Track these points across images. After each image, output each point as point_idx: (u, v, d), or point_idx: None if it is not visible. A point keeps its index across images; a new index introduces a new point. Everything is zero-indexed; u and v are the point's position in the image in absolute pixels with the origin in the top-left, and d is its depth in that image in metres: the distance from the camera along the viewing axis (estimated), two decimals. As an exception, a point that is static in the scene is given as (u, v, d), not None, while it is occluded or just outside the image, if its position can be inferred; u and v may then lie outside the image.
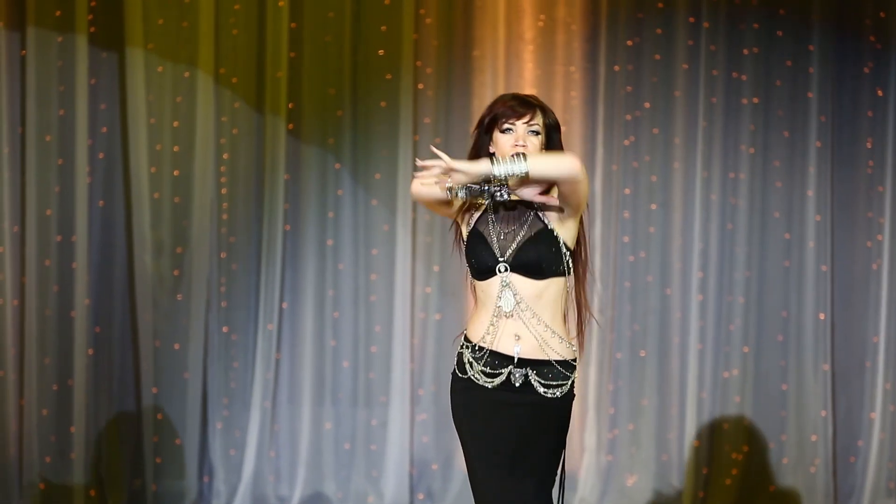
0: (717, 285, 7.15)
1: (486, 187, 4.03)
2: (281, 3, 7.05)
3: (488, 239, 4.10)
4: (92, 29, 6.98)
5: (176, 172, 7.07)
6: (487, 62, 7.09)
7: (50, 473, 6.94)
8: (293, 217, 7.12)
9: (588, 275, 4.23)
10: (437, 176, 4.07)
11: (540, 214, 4.11)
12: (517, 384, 4.07)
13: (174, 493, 7.03)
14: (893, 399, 7.17)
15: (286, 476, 7.09)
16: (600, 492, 7.09)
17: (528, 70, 7.10)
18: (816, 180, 7.18)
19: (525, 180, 3.98)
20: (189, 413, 7.04)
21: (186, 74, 7.06)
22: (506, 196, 4.03)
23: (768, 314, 7.18)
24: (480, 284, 4.11)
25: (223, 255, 7.09)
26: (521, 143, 4.07)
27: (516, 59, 7.12)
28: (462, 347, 4.15)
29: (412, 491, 7.08)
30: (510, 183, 4.00)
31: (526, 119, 4.08)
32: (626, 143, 7.16)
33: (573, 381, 4.13)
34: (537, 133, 4.11)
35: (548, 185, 4.06)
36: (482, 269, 4.08)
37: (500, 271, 4.06)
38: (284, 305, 7.09)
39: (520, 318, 4.06)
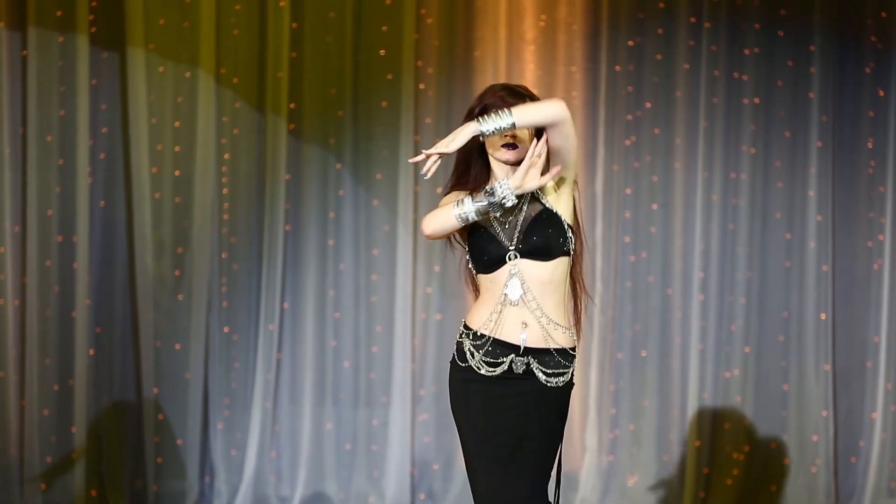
0: (718, 285, 7.15)
1: (493, 200, 4.02)
2: (282, 4, 7.05)
3: (492, 231, 4.10)
4: (93, 29, 6.98)
5: (177, 172, 7.07)
6: (489, 62, 7.08)
7: (51, 474, 6.93)
8: (294, 217, 7.11)
9: (586, 253, 4.25)
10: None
11: (536, 194, 4.12)
12: (519, 372, 4.07)
13: (175, 493, 7.03)
14: (894, 399, 7.18)
15: (287, 476, 7.09)
16: (601, 492, 7.09)
17: (530, 70, 7.10)
18: (817, 180, 7.18)
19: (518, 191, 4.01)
20: (190, 413, 7.04)
21: (187, 74, 7.06)
22: (514, 200, 4.03)
23: (769, 314, 7.18)
24: (487, 277, 4.12)
25: (224, 255, 7.09)
26: (510, 132, 4.07)
27: (517, 60, 7.11)
28: (462, 336, 4.15)
29: (413, 491, 7.08)
30: (500, 132, 3.99)
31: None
32: (628, 143, 7.16)
33: (573, 370, 4.14)
34: (513, 140, 4.12)
35: (544, 165, 4.05)
36: (492, 261, 4.09)
37: (509, 259, 4.07)
38: (285, 306, 7.09)
39: (526, 307, 4.06)
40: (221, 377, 7.08)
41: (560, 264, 4.10)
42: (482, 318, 4.11)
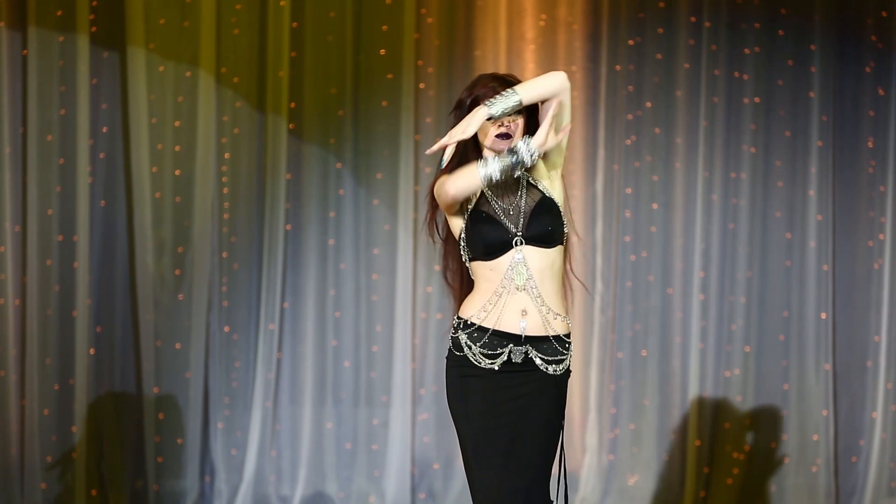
0: (718, 285, 7.15)
1: (516, 159, 4.02)
2: (282, 3, 7.05)
3: (496, 216, 4.10)
4: (93, 29, 6.98)
5: (177, 172, 7.07)
6: (489, 62, 7.08)
7: (51, 473, 6.93)
8: (294, 217, 7.11)
9: (576, 242, 4.28)
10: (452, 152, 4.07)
11: (532, 181, 4.14)
12: (518, 361, 4.07)
13: (175, 492, 7.03)
14: (895, 399, 7.17)
15: (287, 476, 7.09)
16: (602, 491, 7.09)
17: (530, 70, 7.10)
18: (818, 180, 7.18)
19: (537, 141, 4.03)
20: (190, 413, 7.04)
21: (188, 74, 7.06)
22: (536, 159, 4.03)
23: (770, 314, 7.18)
24: (486, 264, 4.11)
25: (224, 254, 7.09)
26: (505, 123, 4.09)
27: (518, 59, 7.11)
28: (456, 330, 4.13)
29: (413, 491, 7.08)
30: (513, 110, 4.01)
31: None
32: (628, 142, 7.16)
33: (570, 357, 4.15)
34: (520, 112, 4.13)
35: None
36: (494, 246, 4.08)
37: (516, 244, 4.07)
38: (286, 305, 7.09)
39: (529, 293, 4.07)
40: (222, 376, 7.08)
41: (558, 252, 4.13)
42: (477, 308, 4.10)
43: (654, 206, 7.16)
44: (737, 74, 7.17)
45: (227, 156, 7.10)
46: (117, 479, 6.97)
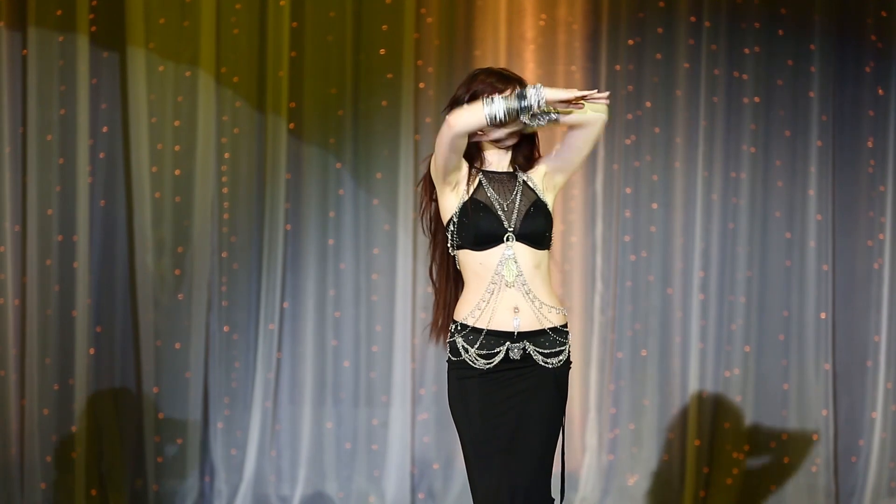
0: (718, 285, 7.15)
1: (523, 104, 3.97)
2: (282, 3, 7.05)
3: (493, 207, 4.09)
4: (93, 28, 6.98)
5: (177, 172, 7.07)
6: (489, 62, 7.08)
7: (51, 473, 6.93)
8: (294, 217, 7.11)
9: (555, 252, 4.29)
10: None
11: (529, 184, 4.13)
12: (516, 358, 4.06)
13: (175, 492, 7.03)
14: (895, 399, 7.17)
15: (287, 476, 7.09)
16: (601, 491, 7.09)
17: (530, 70, 7.10)
18: (817, 180, 7.18)
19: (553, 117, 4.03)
20: (190, 413, 7.03)
21: (188, 74, 7.06)
22: (543, 103, 3.98)
23: (769, 314, 7.18)
24: (476, 256, 4.09)
25: (224, 254, 7.09)
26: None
27: (517, 59, 7.11)
28: (453, 334, 4.12)
29: (413, 490, 7.07)
30: (543, 108, 4.00)
31: (507, 94, 4.05)
32: (628, 142, 7.16)
33: (569, 348, 4.13)
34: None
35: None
36: (486, 237, 4.07)
37: (507, 240, 4.06)
38: (285, 305, 7.09)
39: (519, 289, 4.06)
40: (221, 376, 7.08)
41: (545, 255, 4.12)
42: (470, 308, 4.09)
43: (654, 205, 7.16)
44: (736, 74, 7.17)
45: (226, 156, 7.10)
46: (117, 479, 6.97)
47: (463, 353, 4.09)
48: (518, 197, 4.10)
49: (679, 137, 7.16)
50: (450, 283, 4.23)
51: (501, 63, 7.08)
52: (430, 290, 7.08)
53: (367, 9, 7.11)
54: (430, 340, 4.31)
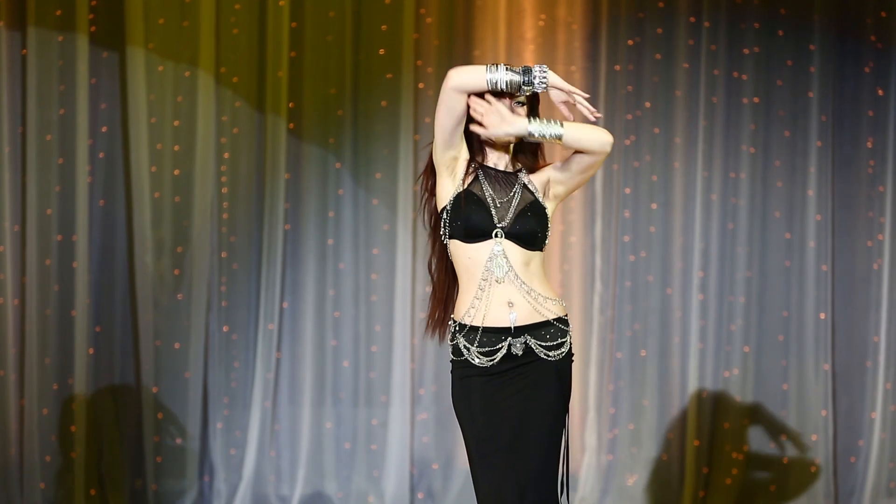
0: (717, 285, 7.15)
1: (526, 78, 4.03)
2: (281, 3, 7.05)
3: (486, 202, 4.09)
4: (92, 28, 6.98)
5: (176, 172, 7.07)
6: (488, 61, 7.08)
7: (51, 473, 6.94)
8: (294, 216, 7.12)
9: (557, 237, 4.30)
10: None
11: (529, 186, 4.14)
12: (518, 353, 4.06)
13: (175, 492, 7.03)
14: (894, 399, 7.17)
15: (287, 476, 7.09)
16: (601, 491, 7.09)
17: (529, 70, 7.09)
18: (817, 180, 7.18)
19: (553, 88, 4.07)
20: (190, 413, 7.04)
21: (187, 74, 7.06)
22: (545, 84, 4.04)
23: (769, 314, 7.18)
24: (466, 249, 4.10)
25: (224, 254, 7.09)
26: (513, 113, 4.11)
27: (517, 59, 7.12)
28: (454, 334, 4.12)
29: (413, 490, 7.08)
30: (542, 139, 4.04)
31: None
32: (627, 142, 7.16)
33: (570, 340, 4.13)
34: (522, 104, 4.15)
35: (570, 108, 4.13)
36: (475, 230, 4.07)
37: (495, 236, 4.06)
38: (285, 305, 7.09)
39: (511, 283, 4.06)
40: (221, 376, 7.09)
41: (536, 256, 4.11)
42: (466, 306, 4.09)
43: (654, 205, 7.16)
44: (736, 74, 7.17)
45: (226, 155, 7.10)
46: (116, 479, 6.97)
47: (465, 353, 4.09)
48: (515, 196, 4.11)
49: (678, 137, 7.16)
50: (448, 277, 4.23)
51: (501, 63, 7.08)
52: (429, 289, 7.09)
53: (367, 9, 7.11)
54: (426, 334, 4.31)
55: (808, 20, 7.17)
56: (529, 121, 4.03)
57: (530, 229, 4.07)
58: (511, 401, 4.05)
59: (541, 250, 4.12)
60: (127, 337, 7.03)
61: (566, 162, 4.16)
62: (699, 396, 7.11)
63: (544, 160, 4.24)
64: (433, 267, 4.27)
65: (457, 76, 4.03)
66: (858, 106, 7.21)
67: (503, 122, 4.04)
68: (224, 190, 7.09)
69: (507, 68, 4.03)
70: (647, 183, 7.17)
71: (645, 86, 7.16)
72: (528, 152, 4.21)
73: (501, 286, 4.06)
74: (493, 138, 4.09)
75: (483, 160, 4.18)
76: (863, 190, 7.22)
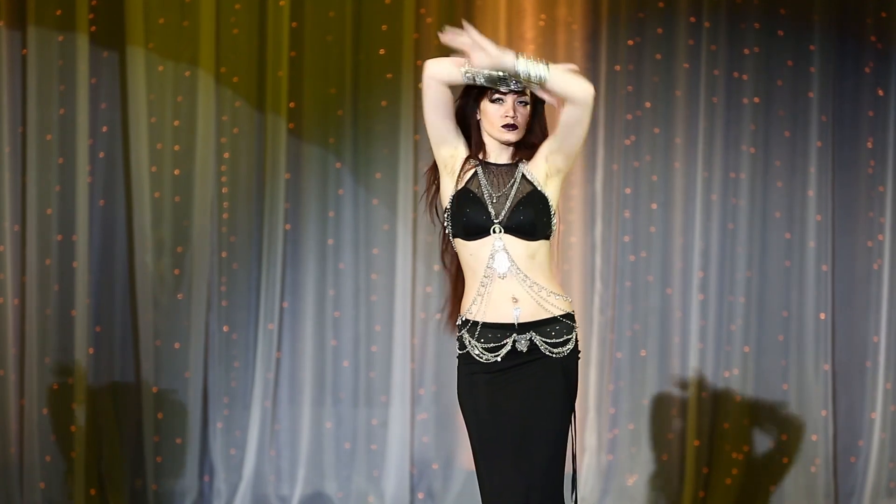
0: (717, 285, 7.15)
1: (504, 75, 4.01)
2: (282, 3, 7.05)
3: (482, 199, 4.07)
4: (93, 28, 6.98)
5: (177, 171, 7.07)
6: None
7: (50, 473, 6.93)
8: (294, 216, 7.12)
9: (559, 239, 4.25)
10: (460, 49, 4.04)
11: (528, 176, 4.11)
12: (523, 350, 4.04)
13: (175, 492, 7.03)
14: (894, 399, 7.17)
15: (287, 475, 7.09)
16: (601, 491, 7.09)
17: (529, 70, 7.09)
18: (817, 180, 7.18)
19: (542, 86, 4.01)
20: (190, 412, 7.04)
21: (187, 74, 7.06)
22: (520, 88, 4.03)
23: (769, 314, 7.18)
24: (468, 246, 4.08)
25: (224, 254, 7.09)
26: (510, 114, 4.09)
27: (517, 59, 7.11)
28: (461, 329, 4.11)
29: (413, 490, 7.08)
30: (527, 81, 3.99)
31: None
32: (627, 142, 7.17)
33: (576, 337, 4.10)
34: (526, 104, 4.14)
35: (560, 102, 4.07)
36: (474, 228, 4.05)
37: (494, 232, 4.04)
38: (285, 305, 7.09)
39: (514, 278, 4.03)
40: (221, 376, 7.09)
41: (541, 245, 4.07)
42: (469, 303, 4.08)
43: (654, 205, 7.16)
44: (736, 74, 7.17)
45: (226, 155, 7.10)
46: (116, 479, 6.97)
47: (469, 347, 4.08)
48: (512, 189, 4.09)
49: (679, 137, 7.16)
50: (461, 270, 4.21)
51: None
52: (429, 289, 7.09)
53: (367, 9, 7.11)
54: (444, 332, 4.30)
55: (808, 20, 7.17)
56: (517, 57, 3.99)
57: (528, 220, 4.03)
58: (516, 400, 4.02)
59: (546, 238, 4.07)
60: (127, 337, 7.03)
61: (554, 131, 4.12)
62: (699, 397, 7.11)
63: (547, 133, 4.22)
64: (447, 262, 4.26)
65: (435, 66, 4.07)
66: (858, 106, 7.21)
67: (487, 47, 4.01)
68: (224, 190, 7.09)
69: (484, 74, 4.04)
70: (648, 183, 7.17)
71: (645, 86, 7.16)
72: (527, 148, 4.20)
73: (505, 281, 4.03)
74: (478, 58, 4.01)
75: (484, 157, 4.17)
76: (863, 190, 7.22)
